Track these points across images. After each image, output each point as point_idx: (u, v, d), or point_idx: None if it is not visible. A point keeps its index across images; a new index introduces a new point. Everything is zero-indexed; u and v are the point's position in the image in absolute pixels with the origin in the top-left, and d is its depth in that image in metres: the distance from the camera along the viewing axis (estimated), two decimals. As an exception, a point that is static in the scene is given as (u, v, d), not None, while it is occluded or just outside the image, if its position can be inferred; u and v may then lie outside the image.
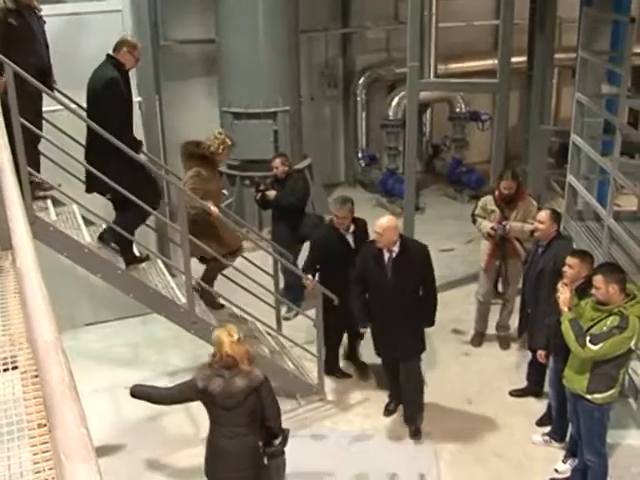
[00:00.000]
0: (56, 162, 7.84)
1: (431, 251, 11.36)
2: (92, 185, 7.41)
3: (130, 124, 7.46)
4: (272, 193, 9.63)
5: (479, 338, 9.55)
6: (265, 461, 5.88)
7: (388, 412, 8.19)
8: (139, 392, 6.17)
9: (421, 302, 7.48)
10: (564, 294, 6.32)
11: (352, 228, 8.19)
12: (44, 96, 7.16)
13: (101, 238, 7.74)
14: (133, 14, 10.85)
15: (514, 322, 9.03)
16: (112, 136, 6.80)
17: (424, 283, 7.44)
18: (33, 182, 7.04)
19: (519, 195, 8.69)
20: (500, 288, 9.33)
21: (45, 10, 8.30)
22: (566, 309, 6.25)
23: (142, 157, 7.78)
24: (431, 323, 7.72)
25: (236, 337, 5.68)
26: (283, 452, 5.97)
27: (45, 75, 7.24)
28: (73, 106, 7.46)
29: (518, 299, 8.81)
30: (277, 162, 9.82)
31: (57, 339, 1.92)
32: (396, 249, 7.18)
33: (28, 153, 6.61)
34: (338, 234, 8.17)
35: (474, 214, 9.02)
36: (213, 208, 7.71)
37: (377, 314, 7.51)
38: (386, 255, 7.27)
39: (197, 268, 8.14)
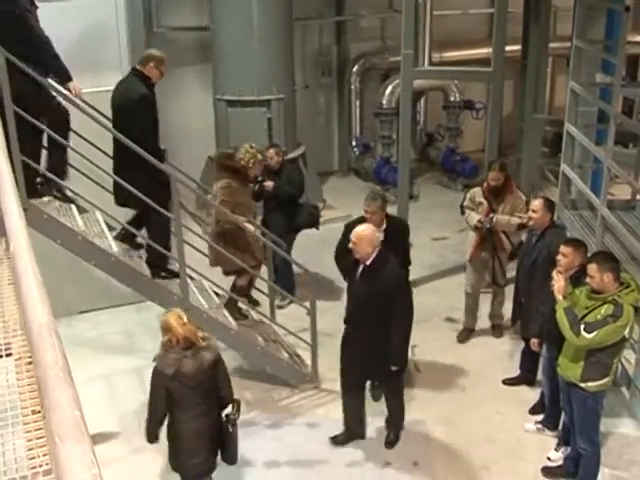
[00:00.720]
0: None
1: (424, 239, 11.44)
2: (121, 198, 7.55)
3: (157, 135, 7.59)
4: (270, 184, 9.50)
5: (466, 334, 9.50)
6: (230, 429, 6.00)
7: (336, 442, 7.57)
8: (154, 433, 6.08)
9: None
10: (558, 282, 6.34)
11: (384, 226, 7.62)
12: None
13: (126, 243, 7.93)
14: (127, 1, 10.82)
15: (507, 312, 9.06)
16: (140, 148, 6.91)
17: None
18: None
19: (507, 188, 8.66)
20: (499, 279, 9.17)
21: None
22: (560, 297, 6.26)
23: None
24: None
25: (185, 318, 5.76)
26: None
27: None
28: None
29: (511, 288, 8.86)
30: (271, 152, 9.63)
31: (51, 322, 1.92)
32: (369, 263, 6.73)
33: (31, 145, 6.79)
34: None
35: (462, 205, 8.99)
36: (245, 224, 7.87)
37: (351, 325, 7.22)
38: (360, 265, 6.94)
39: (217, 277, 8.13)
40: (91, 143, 7.84)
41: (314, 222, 9.94)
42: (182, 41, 13.79)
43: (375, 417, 7.80)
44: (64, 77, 7.08)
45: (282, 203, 9.62)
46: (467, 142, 16.02)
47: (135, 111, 7.30)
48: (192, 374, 5.68)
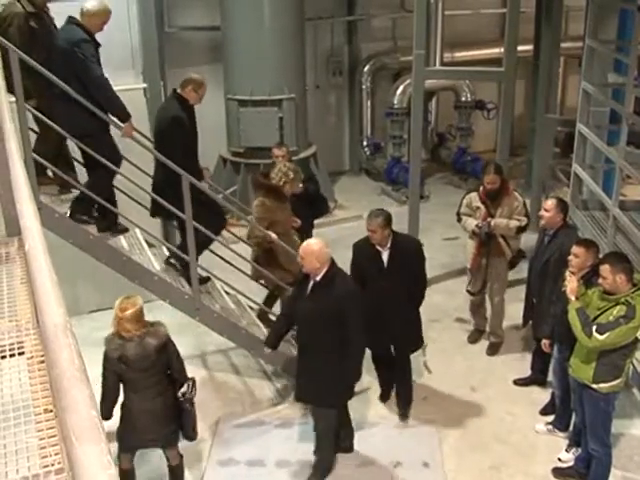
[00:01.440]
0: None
1: (435, 239, 11.41)
2: (157, 211, 7.81)
3: (195, 154, 7.83)
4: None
5: (477, 334, 9.43)
6: (187, 407, 6.15)
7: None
8: (107, 412, 6.14)
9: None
10: (571, 283, 6.32)
11: (389, 244, 7.30)
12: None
13: (168, 263, 8.08)
14: (139, 1, 10.86)
15: (512, 319, 9.12)
16: (178, 167, 7.15)
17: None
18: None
19: (504, 190, 8.45)
20: (492, 290, 9.00)
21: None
22: (573, 298, 6.25)
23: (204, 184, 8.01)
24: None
25: (129, 306, 5.88)
26: None
27: None
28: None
29: (507, 299, 8.89)
30: (280, 151, 9.37)
31: (66, 322, 1.92)
32: (318, 279, 6.42)
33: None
34: (373, 249, 7.36)
35: (459, 213, 8.80)
36: (274, 236, 7.85)
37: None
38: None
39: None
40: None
41: (327, 208, 10.12)
42: (193, 41, 13.82)
43: (382, 418, 7.82)
44: (123, 116, 7.35)
45: (302, 202, 9.48)
46: (478, 142, 16.00)
47: (169, 132, 7.52)
48: (136, 359, 5.87)
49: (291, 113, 12.74)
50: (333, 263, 6.45)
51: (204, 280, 8.27)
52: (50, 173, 7.62)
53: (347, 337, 6.34)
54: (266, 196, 8.07)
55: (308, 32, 13.90)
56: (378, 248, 7.26)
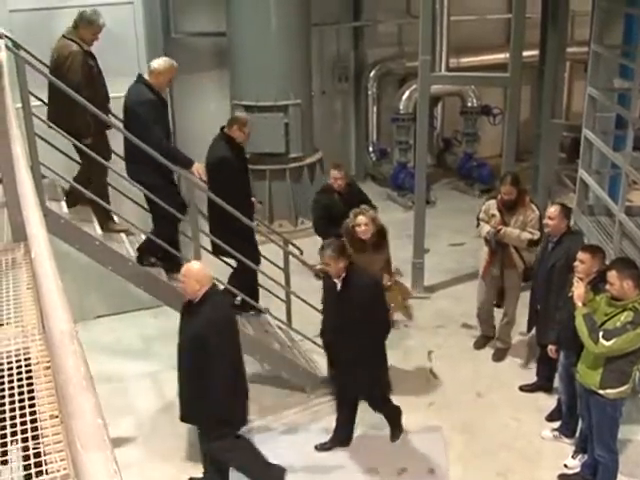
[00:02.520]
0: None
1: (442, 245, 11.39)
2: (216, 250, 8.37)
3: (246, 190, 8.43)
4: None
5: (483, 341, 9.36)
6: None
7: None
8: None
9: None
10: (578, 289, 6.31)
11: (342, 276, 6.91)
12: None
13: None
14: (145, 6, 10.86)
15: (515, 334, 9.17)
16: (230, 205, 7.64)
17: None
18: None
19: (520, 201, 8.46)
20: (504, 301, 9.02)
21: (56, 2, 8.35)
22: (580, 304, 6.23)
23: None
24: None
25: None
26: None
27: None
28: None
29: (520, 306, 8.83)
30: (338, 174, 9.07)
31: (73, 329, 1.92)
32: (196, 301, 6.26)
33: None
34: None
35: (478, 217, 8.85)
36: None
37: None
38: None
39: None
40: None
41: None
42: (199, 46, 13.81)
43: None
44: (187, 164, 7.80)
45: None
46: (484, 148, 15.97)
47: (219, 172, 7.90)
48: None
49: (297, 119, 12.74)
50: (212, 287, 6.34)
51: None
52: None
53: (206, 365, 6.08)
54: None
55: (314, 38, 13.89)
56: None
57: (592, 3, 10.04)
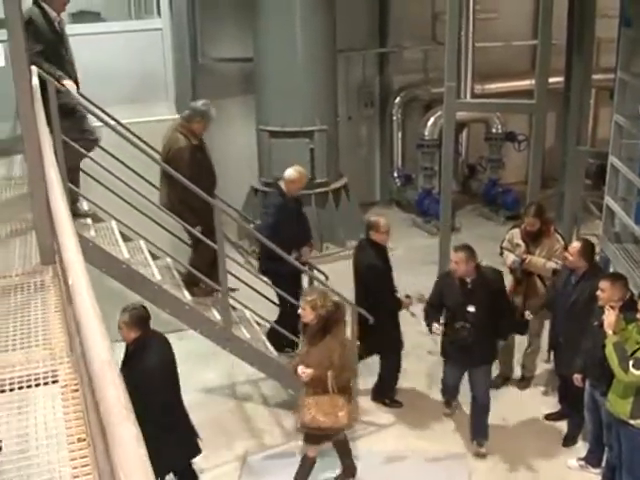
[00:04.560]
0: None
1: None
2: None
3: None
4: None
5: (500, 380, 9.06)
6: None
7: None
8: None
9: None
10: (609, 317, 6.26)
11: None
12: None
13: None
14: (173, 33, 11.00)
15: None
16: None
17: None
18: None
19: (545, 232, 8.43)
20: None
21: (88, 28, 8.48)
22: (611, 332, 6.19)
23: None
24: None
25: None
26: None
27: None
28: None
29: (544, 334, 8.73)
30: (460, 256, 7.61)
31: (112, 358, 1.95)
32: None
33: None
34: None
35: (502, 247, 8.78)
36: None
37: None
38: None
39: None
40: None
41: None
42: (226, 72, 13.93)
43: (412, 451, 7.77)
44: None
45: None
46: (509, 174, 15.93)
47: (367, 276, 8.32)
48: None
49: (322, 144, 12.80)
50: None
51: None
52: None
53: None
54: None
55: (340, 64, 13.98)
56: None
57: (618, 31, 10.04)
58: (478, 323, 7.41)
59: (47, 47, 7.05)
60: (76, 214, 7.92)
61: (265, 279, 8.73)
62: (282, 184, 8.73)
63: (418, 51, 15.60)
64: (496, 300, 7.55)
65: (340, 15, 13.30)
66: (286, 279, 8.46)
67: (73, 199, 7.84)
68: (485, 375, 7.86)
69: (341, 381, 6.67)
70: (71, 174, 7.33)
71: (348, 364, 6.89)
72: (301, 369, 6.63)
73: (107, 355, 1.94)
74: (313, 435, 6.95)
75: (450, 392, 8.46)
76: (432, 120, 14.82)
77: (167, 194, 7.96)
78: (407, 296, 8.55)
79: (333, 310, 6.67)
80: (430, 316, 7.83)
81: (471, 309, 7.43)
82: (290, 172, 8.67)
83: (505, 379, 9.18)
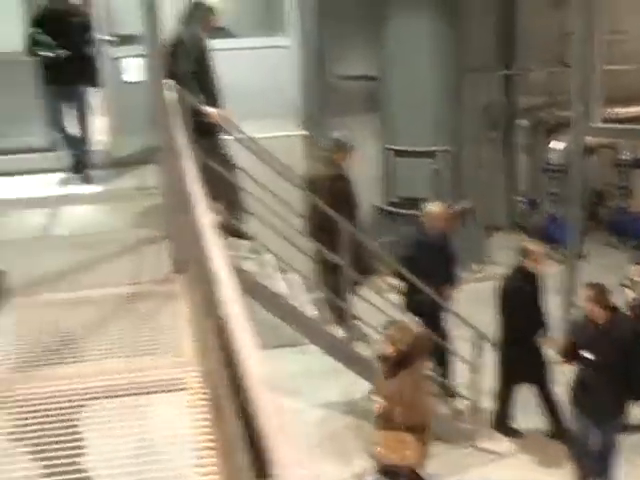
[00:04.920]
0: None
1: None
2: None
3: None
4: None
5: None
6: None
7: None
8: None
9: None
10: None
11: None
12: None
13: None
14: (301, 50, 11.11)
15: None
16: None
17: None
18: None
19: None
20: None
21: (220, 44, 8.66)
22: None
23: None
24: None
25: None
26: None
27: None
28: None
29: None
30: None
31: (269, 379, 1.99)
32: None
33: None
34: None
35: (622, 283, 8.49)
36: None
37: None
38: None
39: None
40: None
41: None
42: (352, 90, 13.98)
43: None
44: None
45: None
46: (639, 201, 15.48)
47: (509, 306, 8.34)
48: None
49: (446, 165, 12.74)
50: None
51: None
52: None
53: None
54: None
55: (465, 85, 13.87)
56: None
57: None
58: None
59: (197, 67, 7.39)
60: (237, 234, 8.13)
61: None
62: (424, 219, 8.85)
63: (544, 73, 15.34)
64: None
65: (466, 36, 13.24)
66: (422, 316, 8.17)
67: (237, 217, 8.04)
68: None
69: (410, 419, 6.52)
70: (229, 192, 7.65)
71: (421, 405, 6.76)
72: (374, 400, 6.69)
73: (264, 376, 2.00)
74: (384, 470, 6.90)
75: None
76: (558, 144, 14.54)
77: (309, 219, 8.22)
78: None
79: (413, 345, 6.60)
80: None
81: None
82: (431, 207, 8.86)
83: None
